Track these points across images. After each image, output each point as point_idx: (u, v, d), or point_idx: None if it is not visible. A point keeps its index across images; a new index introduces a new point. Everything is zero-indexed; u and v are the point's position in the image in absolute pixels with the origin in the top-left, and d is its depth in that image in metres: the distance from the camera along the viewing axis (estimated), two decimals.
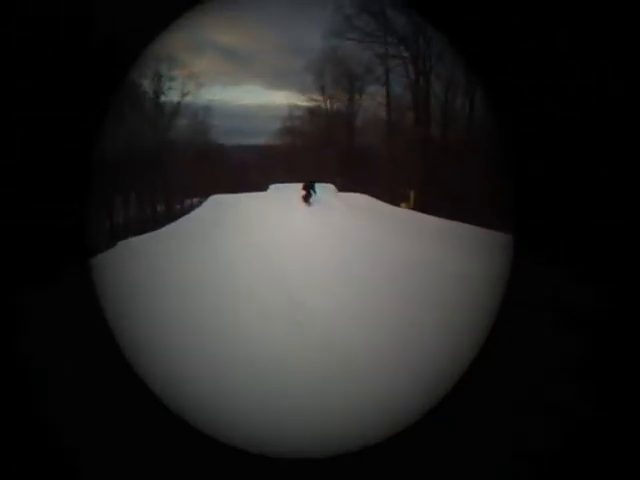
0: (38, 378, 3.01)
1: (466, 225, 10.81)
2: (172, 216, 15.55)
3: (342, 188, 17.65)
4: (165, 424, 2.81)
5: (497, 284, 4.25)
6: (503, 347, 3.47)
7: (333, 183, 17.77)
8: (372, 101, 23.13)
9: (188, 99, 24.50)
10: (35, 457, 2.54)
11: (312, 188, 14.71)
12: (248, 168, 30.75)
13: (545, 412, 3.06)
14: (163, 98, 23.04)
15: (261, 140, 32.24)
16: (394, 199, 16.28)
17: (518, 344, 3.55)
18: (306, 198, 14.55)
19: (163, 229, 11.98)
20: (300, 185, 15.24)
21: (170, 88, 22.92)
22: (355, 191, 16.76)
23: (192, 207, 18.20)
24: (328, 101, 28.68)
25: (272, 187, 17.88)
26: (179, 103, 24.48)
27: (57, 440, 2.63)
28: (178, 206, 21.80)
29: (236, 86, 44.69)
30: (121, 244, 9.57)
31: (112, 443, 2.63)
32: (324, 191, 15.32)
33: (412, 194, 15.97)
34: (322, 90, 28.24)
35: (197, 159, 24.65)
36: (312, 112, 30.07)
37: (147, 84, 21.90)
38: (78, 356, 3.36)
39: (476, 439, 2.75)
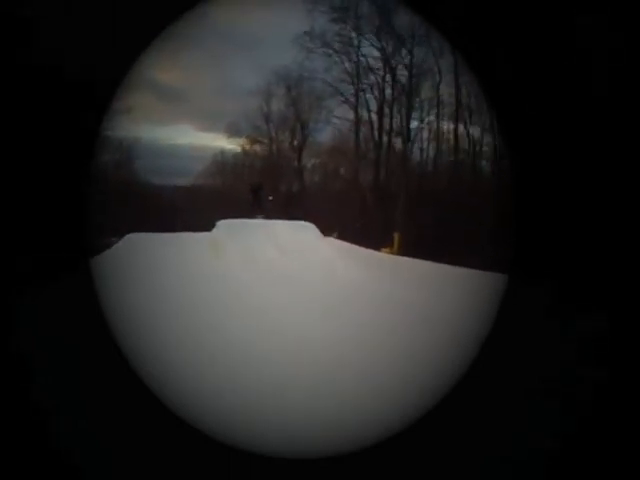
0: (37, 378, 3.06)
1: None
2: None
3: None
4: (165, 424, 2.83)
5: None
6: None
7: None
8: (337, 126, 21.31)
9: (114, 130, 21.31)
10: (35, 458, 2.52)
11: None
12: (178, 207, 27.71)
13: (545, 412, 3.09)
14: None
15: (191, 180, 29.62)
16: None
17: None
18: (258, 202, 14.05)
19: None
20: (254, 221, 13.70)
21: None
22: None
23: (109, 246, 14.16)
24: (273, 132, 26.43)
25: (220, 224, 13.92)
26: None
27: (56, 440, 2.64)
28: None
29: (167, 125, 41.80)
30: None
31: (112, 443, 2.63)
32: (303, 231, 12.40)
33: (396, 237, 13.46)
34: (267, 118, 25.92)
35: (119, 194, 21.21)
36: (251, 149, 27.70)
37: None
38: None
39: (474, 440, 2.75)
